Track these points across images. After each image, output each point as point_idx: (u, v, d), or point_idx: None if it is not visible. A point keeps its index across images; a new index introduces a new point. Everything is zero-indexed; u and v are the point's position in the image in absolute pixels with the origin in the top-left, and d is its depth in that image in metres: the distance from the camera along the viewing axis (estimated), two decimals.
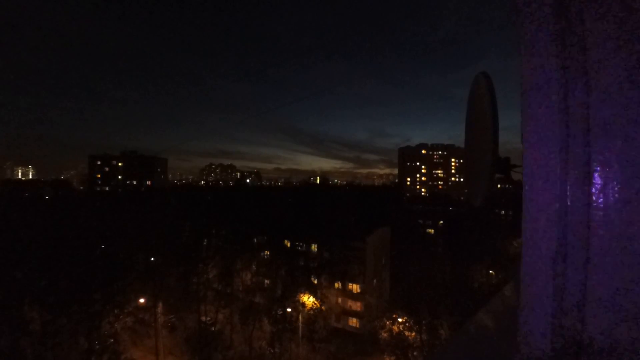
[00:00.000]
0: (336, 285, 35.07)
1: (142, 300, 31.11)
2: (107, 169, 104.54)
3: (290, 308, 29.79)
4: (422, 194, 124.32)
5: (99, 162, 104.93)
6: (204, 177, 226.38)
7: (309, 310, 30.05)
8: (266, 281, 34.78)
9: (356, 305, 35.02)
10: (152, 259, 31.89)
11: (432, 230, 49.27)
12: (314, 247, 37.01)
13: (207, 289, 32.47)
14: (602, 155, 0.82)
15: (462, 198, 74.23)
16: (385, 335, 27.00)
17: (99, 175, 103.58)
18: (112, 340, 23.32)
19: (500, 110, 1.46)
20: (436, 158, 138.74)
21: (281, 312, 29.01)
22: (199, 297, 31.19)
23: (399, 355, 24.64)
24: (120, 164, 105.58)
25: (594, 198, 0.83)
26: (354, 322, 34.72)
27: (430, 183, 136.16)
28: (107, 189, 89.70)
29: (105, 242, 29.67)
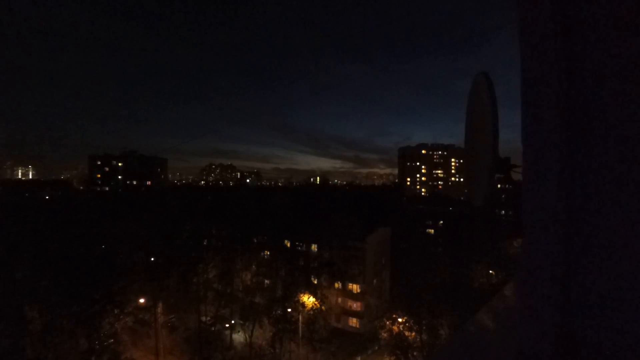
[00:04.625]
0: (336, 285, 35.06)
1: (142, 300, 31.12)
2: (107, 169, 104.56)
3: (291, 308, 29.79)
4: (422, 194, 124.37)
5: (99, 162, 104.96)
6: (204, 177, 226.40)
7: (309, 311, 30.05)
8: (266, 281, 34.79)
9: (356, 305, 35.03)
10: (152, 259, 31.91)
11: (432, 231, 49.27)
12: (314, 247, 37.01)
13: (207, 289, 32.49)
14: (602, 155, 0.82)
15: (462, 198, 74.19)
16: (385, 335, 27.01)
17: (99, 175, 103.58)
18: (112, 340, 23.33)
19: (500, 110, 1.46)
20: (436, 158, 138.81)
21: (281, 312, 29.01)
22: (199, 297, 31.20)
23: (399, 355, 24.66)
24: (120, 164, 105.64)
25: (593, 198, 0.83)
26: (354, 322, 34.73)
27: (430, 183, 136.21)
28: (107, 189, 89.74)
29: (105, 242, 29.68)
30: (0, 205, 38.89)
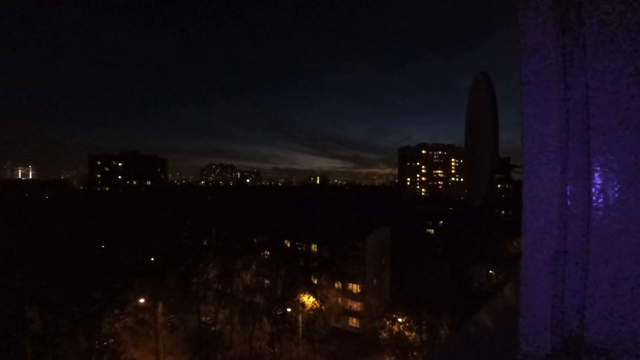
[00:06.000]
0: (336, 285, 35.05)
1: (142, 300, 31.12)
2: (107, 169, 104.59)
3: (290, 308, 29.78)
4: (422, 194, 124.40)
5: (99, 162, 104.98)
6: (204, 177, 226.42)
7: (309, 310, 30.05)
8: (266, 281, 34.78)
9: (356, 305, 35.02)
10: (152, 259, 31.88)
11: (432, 231, 49.24)
12: (314, 247, 37.00)
13: (207, 289, 32.47)
14: (602, 155, 0.82)
15: (462, 198, 74.21)
16: (385, 335, 27.00)
17: (99, 175, 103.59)
18: (112, 340, 23.32)
19: (500, 109, 1.46)
20: (436, 158, 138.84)
21: (281, 312, 29.00)
22: (199, 297, 31.19)
23: (399, 355, 24.66)
24: (120, 164, 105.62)
25: (594, 198, 0.83)
26: (354, 322, 34.72)
27: (430, 183, 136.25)
28: (107, 189, 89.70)
29: (105, 242, 29.66)
30: (0, 205, 38.88)
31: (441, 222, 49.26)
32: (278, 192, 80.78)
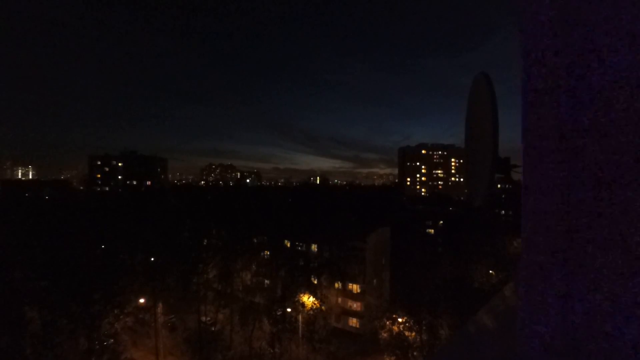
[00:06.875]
0: (336, 285, 35.05)
1: (142, 300, 31.09)
2: (107, 169, 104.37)
3: (290, 308, 29.77)
4: (422, 194, 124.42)
5: (99, 162, 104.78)
6: (204, 177, 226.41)
7: (309, 310, 30.04)
8: (266, 281, 34.79)
9: (356, 305, 35.02)
10: (152, 259, 31.88)
11: (432, 231, 49.23)
12: (314, 247, 37.01)
13: (207, 289, 32.46)
14: (602, 155, 0.82)
15: (462, 198, 74.15)
16: (385, 335, 27.00)
17: (99, 175, 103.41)
18: (112, 340, 23.32)
19: (500, 110, 1.46)
20: (436, 158, 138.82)
21: (281, 312, 29.00)
22: (199, 297, 31.18)
23: (399, 355, 24.66)
24: (120, 164, 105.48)
25: (593, 198, 0.83)
26: (354, 322, 34.72)
27: (430, 183, 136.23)
28: (107, 189, 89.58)
29: (105, 242, 29.65)
30: (0, 205, 38.89)
31: (441, 222, 49.24)
32: (278, 192, 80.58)
